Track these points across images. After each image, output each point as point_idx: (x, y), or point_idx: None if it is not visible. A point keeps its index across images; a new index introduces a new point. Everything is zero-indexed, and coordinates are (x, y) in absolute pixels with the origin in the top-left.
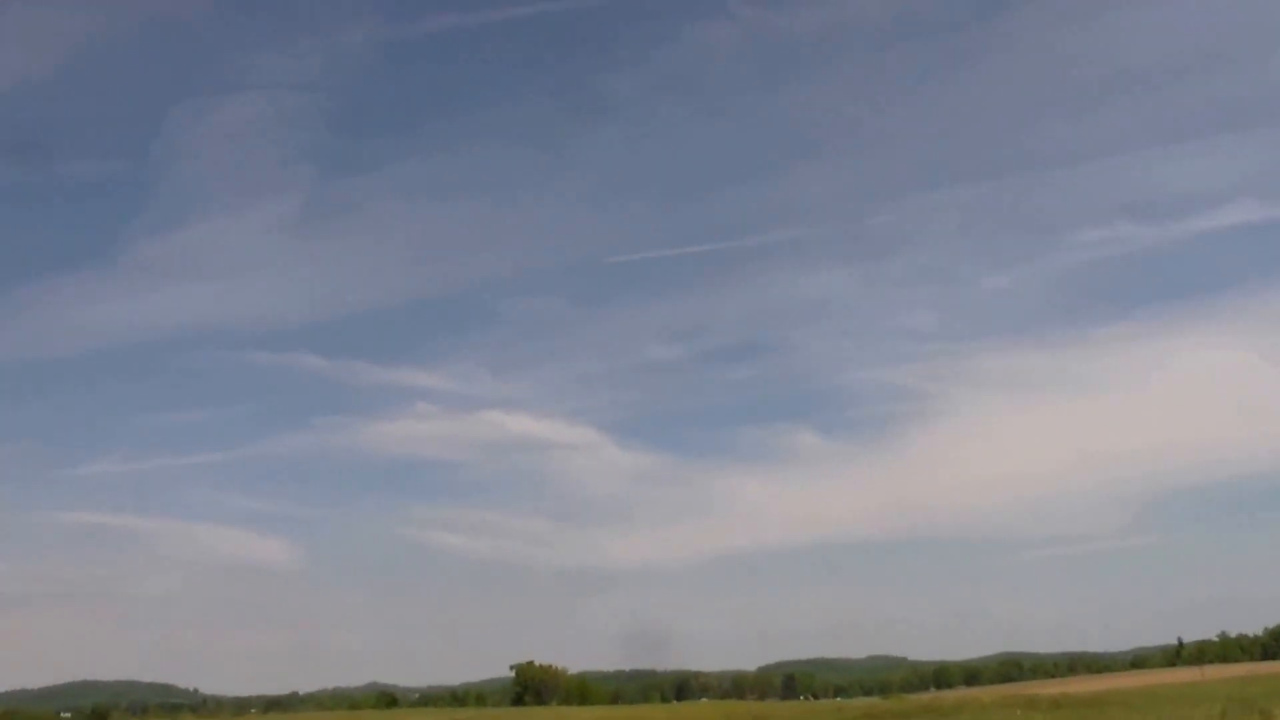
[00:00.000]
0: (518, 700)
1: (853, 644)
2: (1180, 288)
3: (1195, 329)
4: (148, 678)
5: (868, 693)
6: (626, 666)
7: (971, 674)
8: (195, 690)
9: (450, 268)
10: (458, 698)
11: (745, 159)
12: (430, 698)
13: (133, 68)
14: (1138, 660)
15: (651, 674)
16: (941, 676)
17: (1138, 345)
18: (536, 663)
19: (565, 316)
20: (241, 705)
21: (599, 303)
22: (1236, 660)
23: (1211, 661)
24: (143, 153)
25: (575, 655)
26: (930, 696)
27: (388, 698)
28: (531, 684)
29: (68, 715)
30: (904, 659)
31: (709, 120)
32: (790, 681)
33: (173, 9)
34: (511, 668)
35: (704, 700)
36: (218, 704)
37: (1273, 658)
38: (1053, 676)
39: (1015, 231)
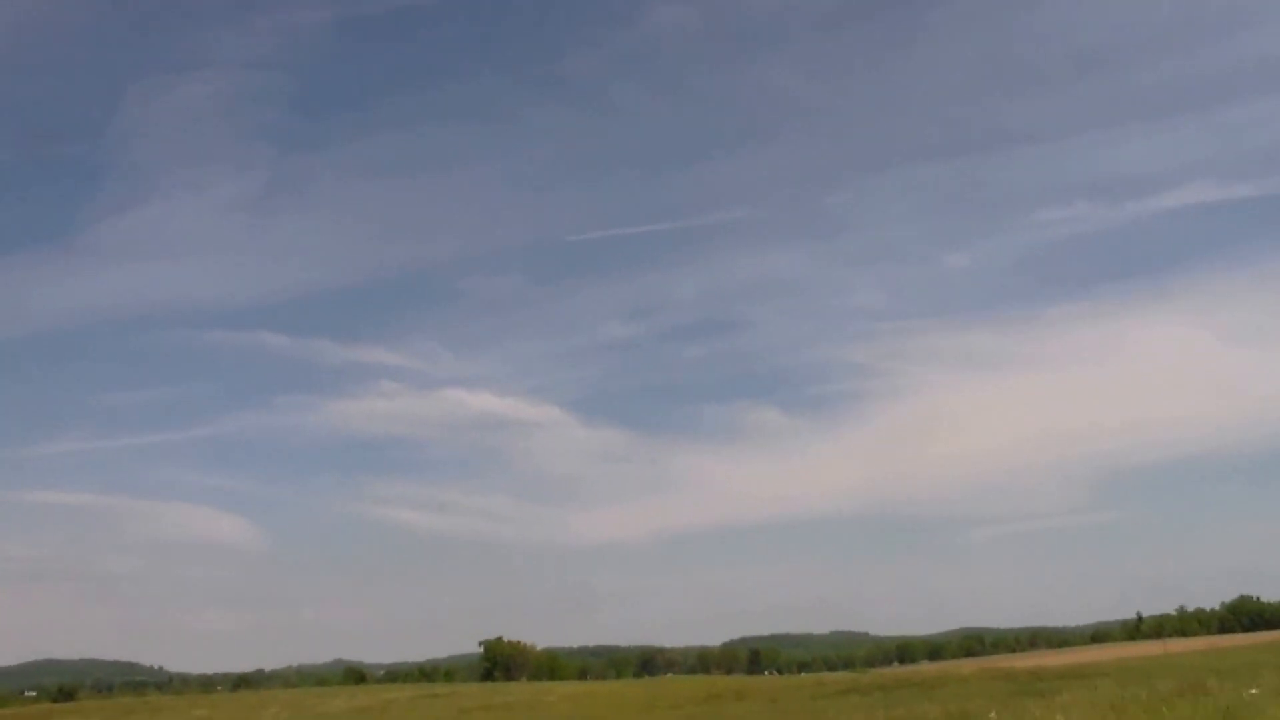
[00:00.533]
0: (487, 676)
1: (815, 620)
2: (1136, 267)
3: (1151, 308)
4: (111, 656)
5: (831, 667)
6: (590, 642)
7: (935, 649)
8: (160, 668)
9: (411, 246)
10: (425, 673)
11: (703, 138)
12: (397, 674)
13: (89, 46)
14: (1098, 634)
15: (615, 649)
16: (905, 651)
17: (1094, 324)
18: (505, 639)
19: (525, 295)
20: (207, 683)
21: (559, 281)
22: (1195, 634)
23: (1170, 635)
24: (100, 132)
25: (539, 631)
26: (909, 670)
27: (356, 674)
28: (500, 660)
29: (33, 694)
30: (866, 634)
31: (667, 100)
32: (755, 656)
33: None
34: (480, 644)
35: (669, 675)
36: (183, 682)
37: (1229, 632)
38: (1014, 651)
39: (972, 211)
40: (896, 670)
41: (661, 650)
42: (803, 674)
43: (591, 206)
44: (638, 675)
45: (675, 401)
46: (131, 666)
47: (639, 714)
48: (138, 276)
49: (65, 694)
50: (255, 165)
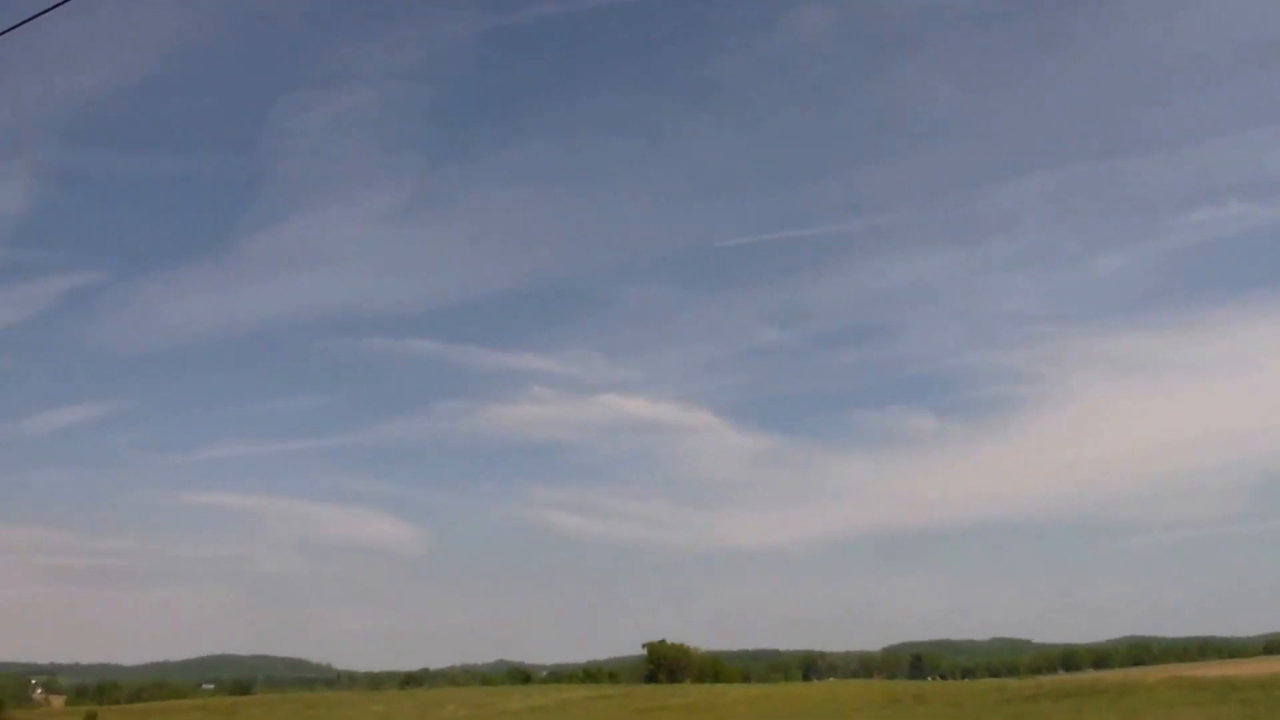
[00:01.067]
0: (650, 678)
1: (975, 626)
2: None
3: None
4: (281, 653)
5: (995, 674)
6: (750, 646)
7: (1100, 657)
8: (328, 665)
9: (562, 254)
10: (590, 675)
11: (851, 143)
12: (560, 674)
13: (240, 61)
14: (1271, 645)
15: (775, 653)
16: (1070, 659)
17: (1253, 325)
18: (668, 641)
19: (677, 301)
20: (374, 680)
21: (710, 287)
22: None
23: None
24: (252, 145)
25: (698, 634)
26: (1090, 677)
27: (521, 674)
28: (663, 662)
29: (210, 687)
30: (1028, 641)
31: (812, 104)
32: (918, 662)
33: (277, 2)
34: (644, 646)
35: (832, 679)
36: (350, 679)
37: None
38: (1182, 660)
39: (1125, 212)
40: (1078, 678)
41: (822, 654)
42: (965, 679)
43: (742, 213)
44: (805, 679)
45: (828, 406)
46: (300, 663)
47: (824, 717)
48: (293, 287)
49: (240, 688)
50: (404, 176)
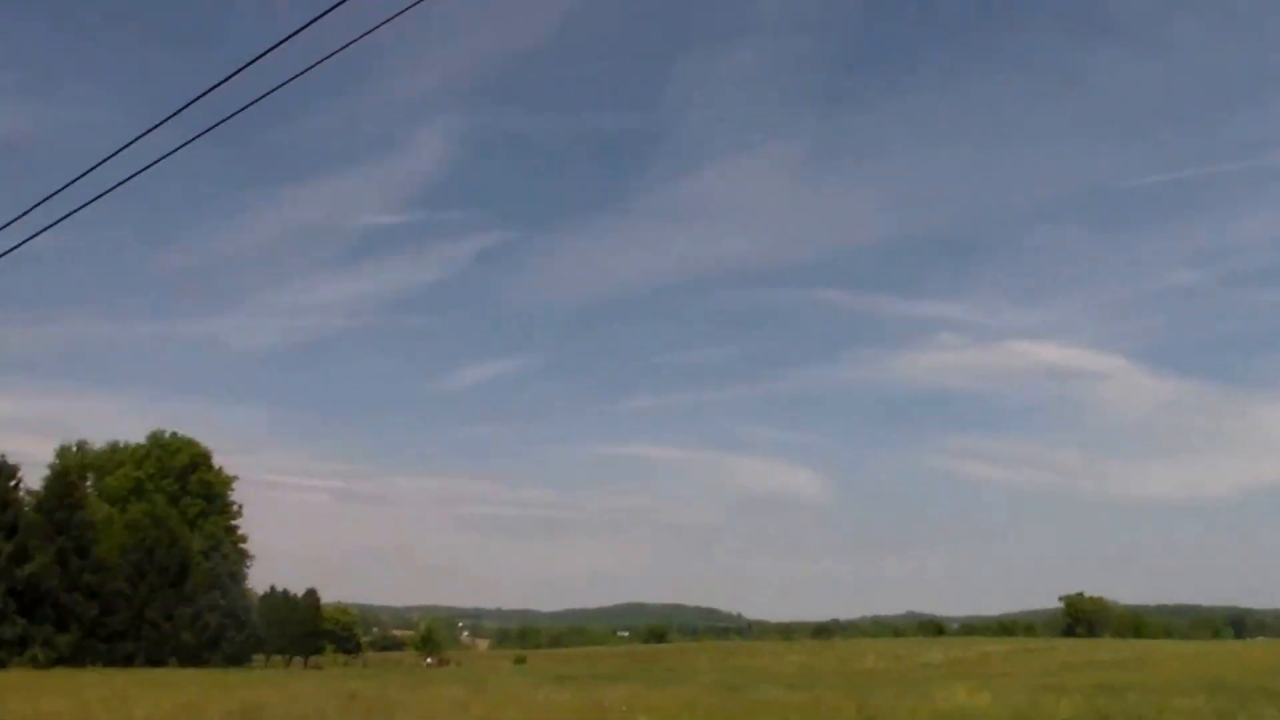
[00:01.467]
0: (1068, 631)
1: None
2: None
3: None
4: (692, 602)
5: None
6: (1169, 600)
7: None
8: (739, 615)
9: (964, 198)
10: (1005, 628)
11: (1265, 71)
12: (973, 627)
13: (642, 19)
14: None
15: (1196, 609)
16: None
17: None
18: (1085, 594)
19: (1085, 243)
20: (785, 630)
21: (1119, 228)
22: None
23: None
24: (654, 101)
25: (1114, 587)
26: None
27: (934, 626)
28: (1082, 616)
29: (624, 634)
30: None
31: (1223, 33)
32: None
33: None
34: (1060, 599)
35: (1261, 639)
36: (762, 629)
37: None
38: None
39: None
40: None
41: (1250, 611)
42: None
43: (1150, 150)
44: (1238, 637)
45: (1249, 349)
46: (711, 613)
47: (1271, 676)
48: (699, 239)
49: (655, 636)
50: (803, 126)
